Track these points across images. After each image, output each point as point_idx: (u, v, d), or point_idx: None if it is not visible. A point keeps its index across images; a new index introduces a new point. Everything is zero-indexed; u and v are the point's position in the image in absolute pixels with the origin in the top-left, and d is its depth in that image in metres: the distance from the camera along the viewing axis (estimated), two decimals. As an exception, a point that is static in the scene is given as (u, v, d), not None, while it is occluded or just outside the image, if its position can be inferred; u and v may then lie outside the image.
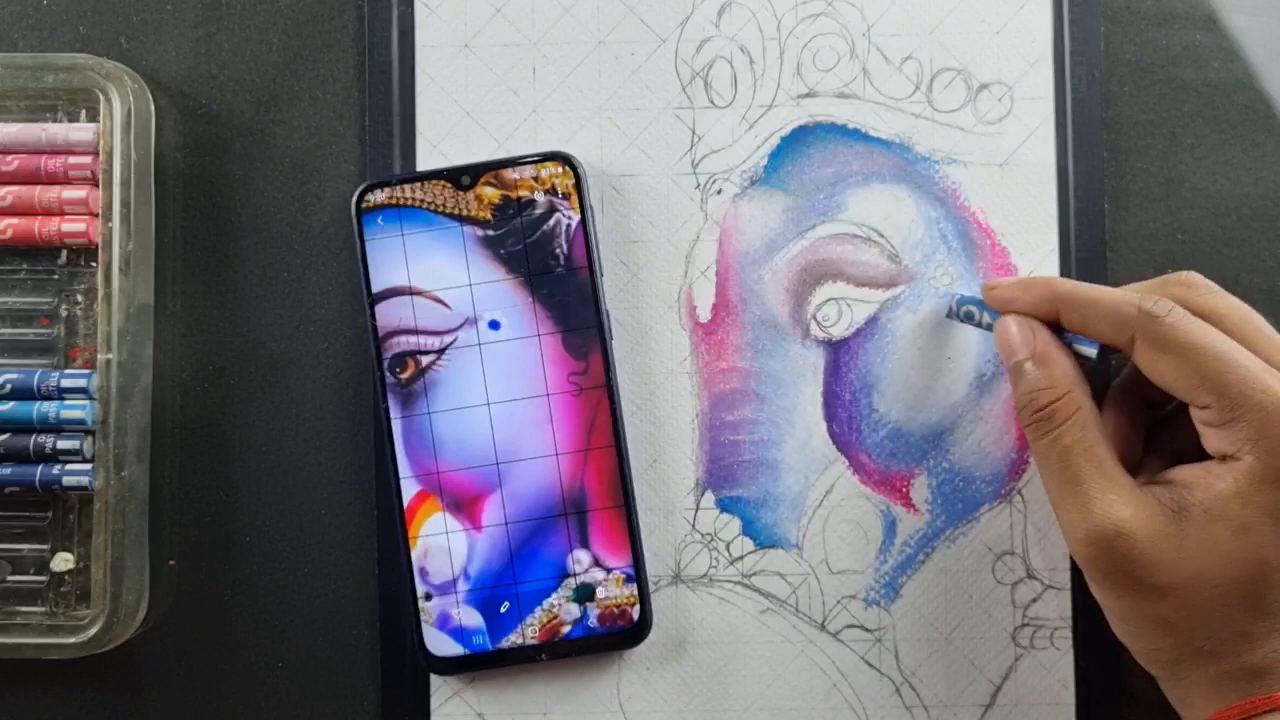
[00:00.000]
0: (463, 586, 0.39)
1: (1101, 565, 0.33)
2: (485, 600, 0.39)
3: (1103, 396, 0.37)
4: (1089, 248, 0.40)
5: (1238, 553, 0.32)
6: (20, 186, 0.39)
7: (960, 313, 0.39)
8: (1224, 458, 0.32)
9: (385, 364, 0.39)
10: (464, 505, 0.39)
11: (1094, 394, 0.36)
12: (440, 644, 0.39)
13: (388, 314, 0.39)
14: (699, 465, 0.40)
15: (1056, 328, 0.36)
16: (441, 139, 0.41)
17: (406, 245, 0.39)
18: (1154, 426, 0.37)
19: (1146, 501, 0.33)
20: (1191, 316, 0.33)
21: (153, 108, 0.40)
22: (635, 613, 0.39)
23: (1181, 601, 0.32)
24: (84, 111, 0.40)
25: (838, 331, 0.40)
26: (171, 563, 0.40)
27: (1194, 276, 0.35)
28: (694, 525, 0.40)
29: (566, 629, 0.39)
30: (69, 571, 0.40)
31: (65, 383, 0.39)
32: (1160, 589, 0.32)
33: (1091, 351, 0.35)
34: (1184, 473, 0.33)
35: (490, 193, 0.39)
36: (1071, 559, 0.39)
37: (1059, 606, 0.40)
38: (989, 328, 0.38)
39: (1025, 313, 0.37)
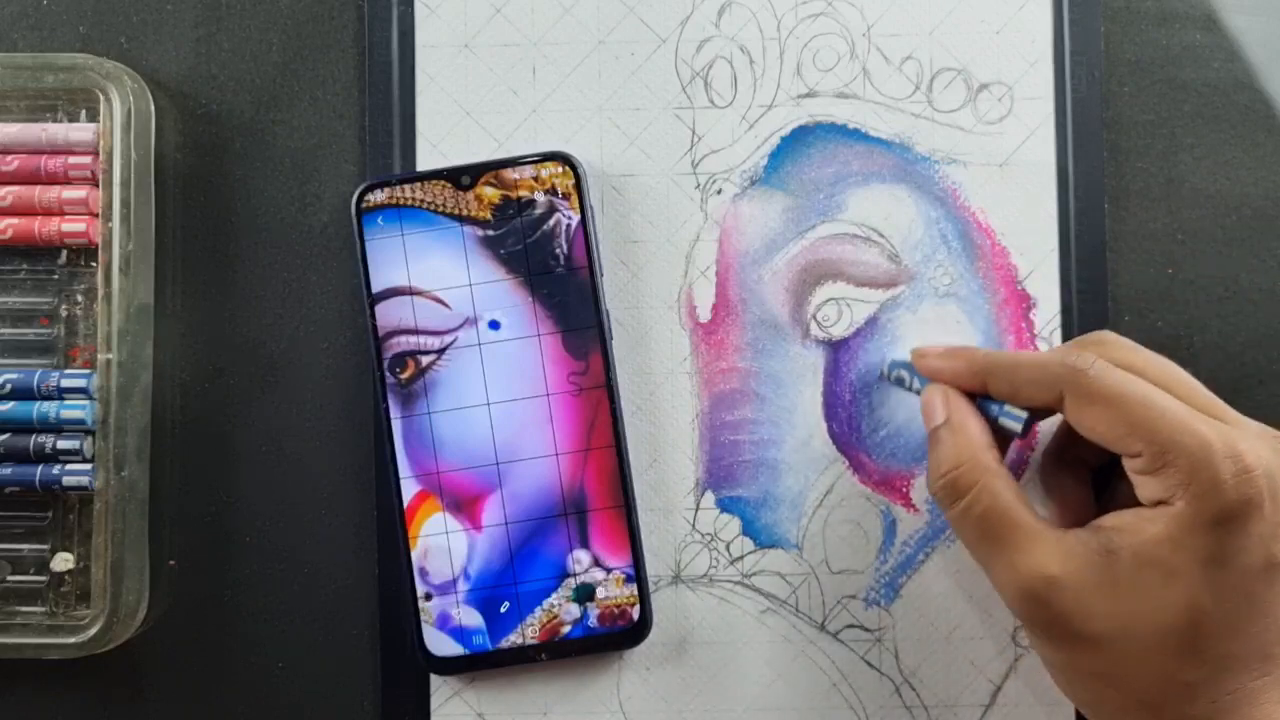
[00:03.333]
0: (463, 586, 0.39)
1: (1036, 619, 0.33)
2: (485, 600, 0.39)
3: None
4: (1089, 248, 0.40)
5: (1169, 599, 0.31)
6: (20, 186, 0.39)
7: (892, 376, 0.39)
8: (1156, 503, 0.32)
9: (385, 364, 0.39)
10: (464, 505, 0.39)
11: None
12: (440, 644, 0.39)
13: (388, 314, 0.39)
14: (699, 465, 0.40)
15: (988, 398, 0.36)
16: (441, 139, 0.41)
17: (406, 245, 0.39)
18: (1104, 486, 0.37)
19: (1074, 549, 0.32)
20: (1115, 368, 0.33)
21: (153, 108, 0.40)
22: (635, 613, 0.39)
23: (1118, 652, 0.32)
24: (84, 111, 0.40)
25: (838, 331, 0.40)
26: (171, 563, 0.40)
27: (1110, 335, 0.35)
28: (694, 525, 0.40)
29: (566, 629, 0.39)
30: (69, 571, 0.40)
31: (65, 383, 0.39)
32: (1095, 639, 0.32)
33: (1017, 425, 0.35)
34: (1115, 518, 0.33)
35: (490, 193, 0.39)
36: None
37: (1059, 606, 0.40)
38: (918, 393, 0.38)
39: (950, 383, 0.36)
